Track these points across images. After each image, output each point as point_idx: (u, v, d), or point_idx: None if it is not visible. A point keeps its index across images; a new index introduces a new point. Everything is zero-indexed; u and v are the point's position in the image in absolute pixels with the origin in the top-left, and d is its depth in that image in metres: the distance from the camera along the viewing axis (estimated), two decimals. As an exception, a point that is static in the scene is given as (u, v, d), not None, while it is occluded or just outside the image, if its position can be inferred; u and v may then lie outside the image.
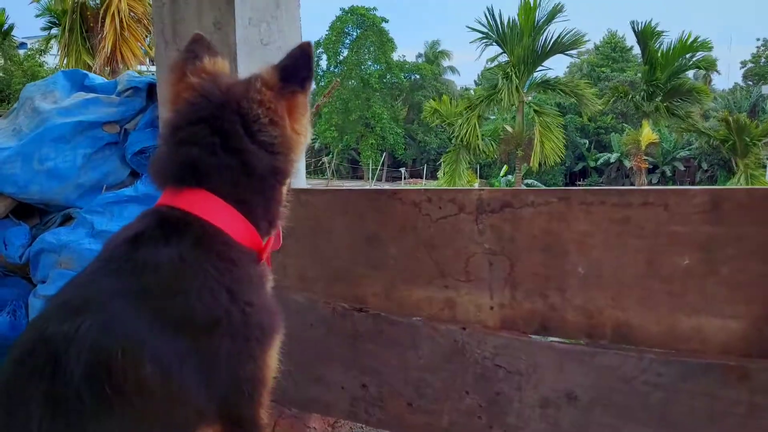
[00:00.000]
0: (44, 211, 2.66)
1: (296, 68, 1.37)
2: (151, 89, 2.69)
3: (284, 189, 1.43)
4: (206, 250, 1.24)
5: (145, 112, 2.67)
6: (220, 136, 1.29)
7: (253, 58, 2.36)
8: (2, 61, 24.89)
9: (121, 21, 18.37)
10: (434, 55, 49.18)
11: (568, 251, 1.75)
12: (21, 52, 26.99)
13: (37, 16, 21.78)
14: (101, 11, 18.61)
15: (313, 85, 1.48)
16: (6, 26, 25.55)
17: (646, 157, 30.70)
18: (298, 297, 2.30)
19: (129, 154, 2.57)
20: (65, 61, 19.45)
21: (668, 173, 37.92)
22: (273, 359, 1.32)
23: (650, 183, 33.43)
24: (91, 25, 19.45)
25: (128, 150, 2.57)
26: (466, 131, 24.54)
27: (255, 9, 2.37)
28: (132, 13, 18.96)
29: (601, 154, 40.73)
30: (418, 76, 47.42)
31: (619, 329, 1.68)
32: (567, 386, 1.74)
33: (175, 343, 1.14)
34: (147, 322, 1.13)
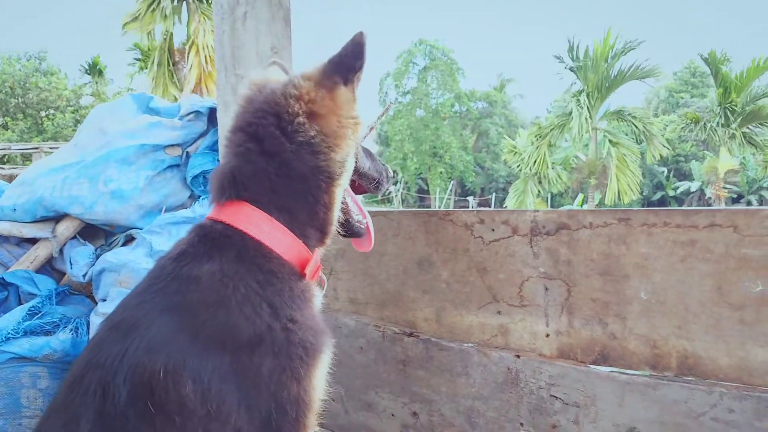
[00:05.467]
0: (111, 233, 2.74)
1: (344, 58, 1.28)
2: (212, 113, 2.76)
3: (336, 191, 1.33)
4: (247, 264, 1.21)
5: (206, 135, 2.73)
6: (256, 141, 1.26)
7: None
8: (92, 99, 26.83)
9: (205, 56, 19.34)
10: (502, 84, 48.93)
11: (629, 276, 1.64)
12: (109, 88, 28.99)
13: (127, 50, 23.45)
14: (187, 47, 19.85)
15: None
16: (98, 66, 27.76)
17: (728, 186, 29.27)
18: (348, 320, 2.27)
19: (189, 177, 2.62)
20: (154, 93, 20.61)
21: (754, 203, 35.88)
22: (319, 380, 1.24)
23: (734, 213, 31.55)
24: (177, 59, 20.76)
25: (189, 173, 2.62)
26: (536, 160, 24.15)
27: (312, 33, 2.40)
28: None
29: (681, 183, 39.19)
30: (486, 104, 47.21)
31: (686, 360, 1.55)
32: (628, 421, 1.61)
33: (215, 360, 1.11)
34: (189, 339, 1.12)
